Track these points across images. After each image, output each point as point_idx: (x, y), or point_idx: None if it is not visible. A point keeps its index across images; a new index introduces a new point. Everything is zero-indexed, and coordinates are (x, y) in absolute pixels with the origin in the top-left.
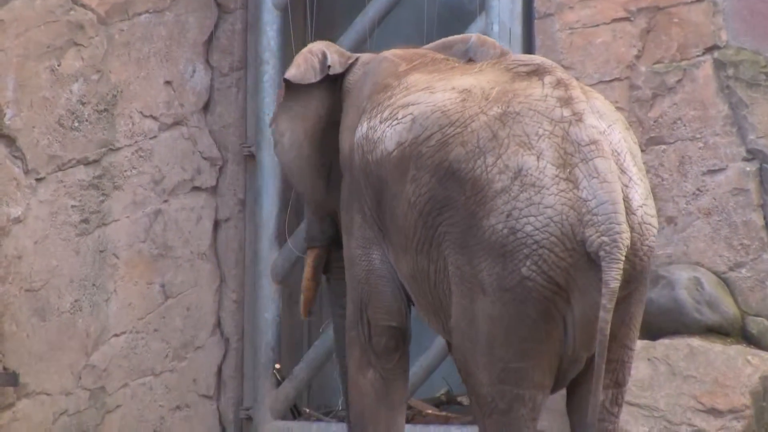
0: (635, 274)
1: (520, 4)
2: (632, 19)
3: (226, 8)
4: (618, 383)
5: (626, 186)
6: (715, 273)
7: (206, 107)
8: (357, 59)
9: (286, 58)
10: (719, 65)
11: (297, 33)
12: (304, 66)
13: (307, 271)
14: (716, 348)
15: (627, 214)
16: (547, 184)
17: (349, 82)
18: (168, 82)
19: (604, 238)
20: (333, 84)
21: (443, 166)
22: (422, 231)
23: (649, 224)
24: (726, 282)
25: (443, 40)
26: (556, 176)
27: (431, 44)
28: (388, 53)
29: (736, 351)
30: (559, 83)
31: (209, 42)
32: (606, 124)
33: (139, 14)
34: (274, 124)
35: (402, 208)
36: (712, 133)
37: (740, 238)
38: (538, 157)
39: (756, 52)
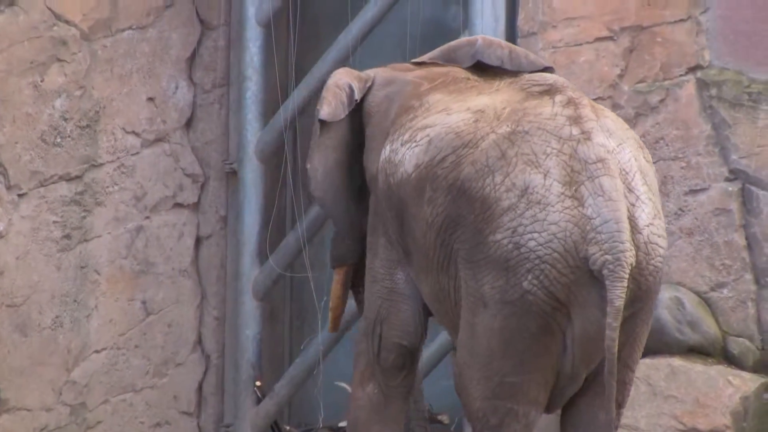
0: (640, 293)
1: (503, 22)
2: (615, 38)
3: (209, 25)
4: (617, 404)
5: (633, 205)
6: (697, 293)
7: (189, 124)
8: (374, 80)
9: (269, 74)
10: (702, 85)
11: (280, 49)
12: (335, 102)
13: (337, 288)
14: (697, 368)
15: (633, 233)
16: (552, 201)
17: (370, 105)
18: (150, 99)
19: (608, 257)
20: (355, 109)
21: (456, 185)
22: (440, 250)
23: (656, 244)
24: (707, 302)
25: (448, 45)
26: (562, 194)
27: (437, 50)
28: (411, 75)
29: (717, 371)
30: (569, 102)
31: (192, 58)
32: (615, 143)
33: (122, 30)
34: (309, 162)
35: (421, 228)
36: (695, 152)
37: (722, 258)
38: (545, 175)
39: (739, 72)
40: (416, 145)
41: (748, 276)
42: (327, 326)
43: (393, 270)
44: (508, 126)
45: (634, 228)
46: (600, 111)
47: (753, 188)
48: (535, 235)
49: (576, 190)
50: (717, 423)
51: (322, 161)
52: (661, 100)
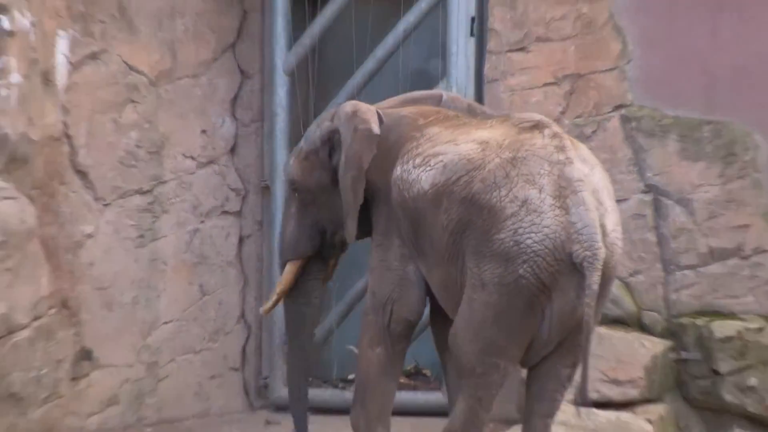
0: (605, 281)
1: (473, 71)
2: (559, 84)
3: (247, 74)
4: (575, 364)
5: (602, 215)
6: (619, 278)
7: (232, 150)
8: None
9: (293, 112)
10: (625, 119)
11: (302, 92)
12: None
13: (289, 279)
14: (618, 334)
15: (603, 236)
16: (545, 210)
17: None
18: (203, 131)
19: (587, 253)
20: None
21: (468, 198)
22: (452, 247)
23: (617, 244)
24: (627, 285)
25: (411, 94)
26: (553, 204)
27: (397, 98)
28: (405, 111)
29: (634, 337)
30: (555, 135)
31: (234, 100)
32: (589, 168)
33: (180, 78)
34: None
35: (437, 232)
36: (619, 171)
37: (638, 252)
38: (539, 191)
39: (654, 109)
40: (431, 168)
41: (658, 265)
42: (339, 302)
43: (405, 263)
44: (509, 153)
45: (603, 232)
46: (575, 142)
47: (662, 198)
48: (532, 235)
49: (563, 202)
50: (633, 375)
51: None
52: (594, 131)
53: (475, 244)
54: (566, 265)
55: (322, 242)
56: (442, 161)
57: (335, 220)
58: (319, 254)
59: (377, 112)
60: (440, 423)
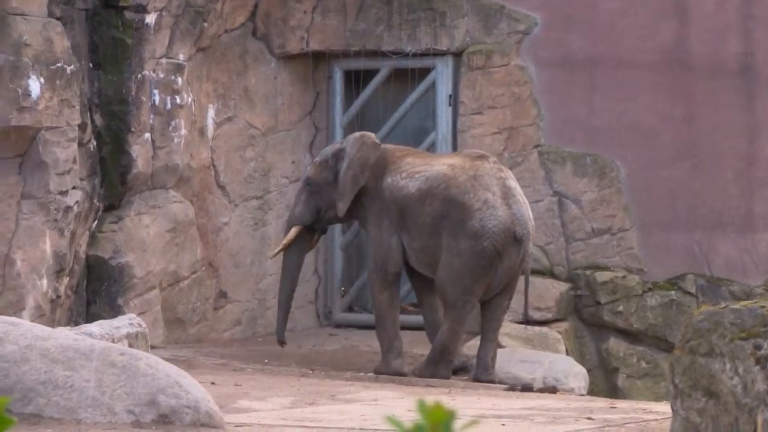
0: (529, 249)
1: (451, 126)
2: (501, 133)
3: (319, 129)
4: (510, 299)
5: (527, 209)
6: (539, 247)
7: None
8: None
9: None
10: (540, 153)
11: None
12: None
13: (291, 238)
14: (539, 280)
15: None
16: (498, 206)
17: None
18: (293, 162)
19: (524, 231)
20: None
21: (447, 198)
22: (431, 228)
23: (533, 227)
24: (544, 251)
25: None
26: (501, 203)
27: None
28: (389, 146)
29: (549, 281)
30: (495, 162)
31: (311, 144)
32: (515, 183)
33: (280, 132)
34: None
35: (423, 218)
36: (537, 184)
37: (550, 231)
38: (493, 194)
39: (557, 147)
40: (416, 180)
41: (562, 239)
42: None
43: (391, 237)
44: (471, 171)
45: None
46: (505, 167)
47: (563, 199)
48: (492, 221)
49: (507, 202)
50: (549, 305)
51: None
52: (522, 160)
53: (453, 228)
54: (511, 239)
55: (316, 218)
56: (424, 175)
57: (329, 204)
58: (311, 227)
59: (375, 138)
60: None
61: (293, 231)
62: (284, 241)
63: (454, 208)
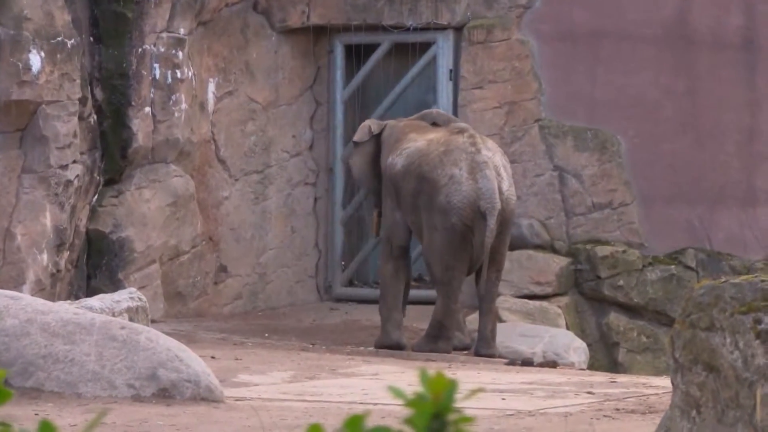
0: (505, 220)
1: (452, 101)
2: (501, 107)
3: (319, 103)
4: (498, 270)
5: (500, 182)
6: (539, 221)
7: (311, 147)
8: (386, 125)
9: (347, 125)
10: (541, 128)
11: (351, 114)
12: (361, 133)
13: (376, 217)
14: (540, 255)
15: (500, 194)
16: (464, 181)
17: (383, 137)
18: (293, 136)
19: (488, 206)
20: (376, 137)
21: (419, 174)
22: (412, 203)
23: (510, 199)
24: (544, 225)
25: (420, 113)
26: (468, 178)
27: (418, 114)
28: (400, 123)
29: (549, 256)
30: (471, 136)
31: (312, 118)
32: (491, 153)
33: (281, 106)
34: (350, 159)
35: (406, 195)
36: (537, 158)
37: (550, 206)
38: (460, 170)
39: (558, 121)
40: (401, 156)
41: (562, 213)
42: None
43: (394, 213)
44: (443, 147)
45: (500, 192)
46: (484, 138)
47: (564, 174)
48: (457, 196)
49: (474, 176)
50: (549, 279)
51: (356, 160)
52: (523, 135)
53: (426, 203)
54: (477, 214)
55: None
56: (407, 152)
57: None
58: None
59: (378, 123)
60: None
61: (375, 214)
62: (373, 227)
63: (425, 184)
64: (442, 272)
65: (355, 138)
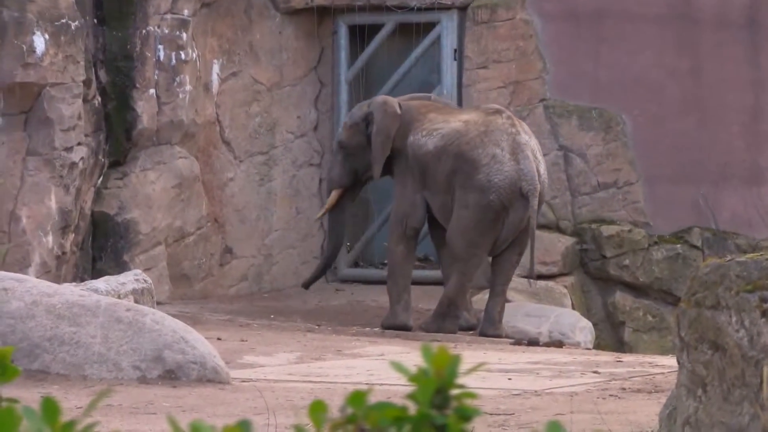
0: (539, 203)
1: (456, 81)
2: (506, 87)
3: (324, 84)
4: (520, 254)
5: (537, 165)
6: (546, 202)
7: (315, 128)
8: (399, 104)
9: (351, 105)
10: (546, 107)
11: (356, 94)
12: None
13: (332, 201)
14: (545, 234)
15: (538, 177)
16: (505, 161)
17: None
18: (298, 117)
19: (530, 187)
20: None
21: (458, 153)
22: (446, 184)
23: (545, 183)
24: (550, 205)
25: (412, 95)
26: (510, 159)
27: (409, 95)
28: (413, 103)
29: (554, 236)
30: (509, 117)
31: (316, 99)
32: (528, 137)
33: (285, 87)
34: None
35: (439, 175)
36: (542, 138)
37: (556, 185)
38: (501, 150)
39: (562, 101)
40: (433, 137)
41: (568, 193)
42: (379, 216)
43: (415, 194)
44: (483, 127)
45: (538, 175)
46: (520, 121)
47: (569, 153)
48: (498, 175)
49: (515, 157)
50: (555, 259)
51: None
52: (527, 114)
53: (462, 182)
54: (517, 194)
55: (355, 179)
56: (441, 132)
57: (365, 166)
58: (351, 187)
59: (398, 102)
60: (439, 290)
61: (334, 194)
62: (326, 205)
63: (464, 163)
64: (465, 248)
65: (398, 110)
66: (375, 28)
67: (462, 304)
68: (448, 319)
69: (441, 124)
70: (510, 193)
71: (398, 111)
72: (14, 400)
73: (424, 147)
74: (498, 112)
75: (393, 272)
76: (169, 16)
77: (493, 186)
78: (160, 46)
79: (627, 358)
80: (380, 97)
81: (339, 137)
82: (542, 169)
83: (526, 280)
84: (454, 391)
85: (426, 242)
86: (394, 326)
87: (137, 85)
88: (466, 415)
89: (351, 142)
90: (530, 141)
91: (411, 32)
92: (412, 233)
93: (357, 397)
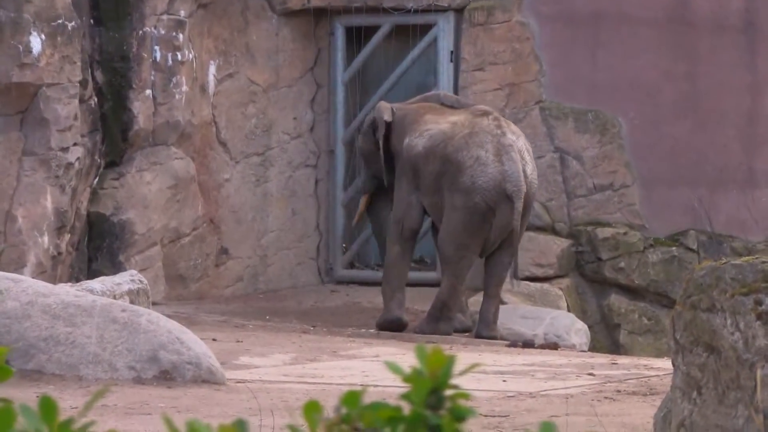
0: (527, 204)
1: (452, 83)
2: (502, 89)
3: (320, 85)
4: (512, 255)
5: (524, 166)
6: (541, 203)
7: (311, 129)
8: (398, 108)
9: (348, 107)
10: (542, 109)
11: (354, 95)
12: (389, 113)
13: (363, 204)
14: (541, 236)
15: (524, 177)
16: (489, 163)
17: (395, 120)
18: (294, 118)
19: (514, 188)
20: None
21: (444, 156)
22: (435, 184)
23: (534, 183)
24: (546, 207)
25: (424, 95)
26: (494, 160)
27: (419, 96)
28: (412, 106)
29: (550, 238)
30: (495, 118)
31: (313, 100)
32: (515, 137)
33: (281, 88)
34: (361, 141)
35: (428, 176)
36: (538, 140)
37: (551, 187)
38: (486, 152)
39: (558, 103)
40: (423, 138)
41: (564, 195)
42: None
43: (410, 195)
44: (468, 129)
45: (525, 176)
46: (508, 122)
47: (565, 156)
48: (483, 178)
49: (499, 159)
50: (550, 261)
51: (367, 143)
52: (523, 117)
53: (449, 184)
54: (502, 196)
55: (379, 183)
56: (429, 133)
57: (380, 170)
58: (378, 191)
59: (391, 108)
60: (434, 291)
61: (363, 201)
62: (359, 211)
63: (449, 165)
64: (455, 251)
65: (386, 118)
66: (371, 30)
67: (454, 306)
68: (442, 321)
69: (431, 125)
70: (495, 194)
71: (385, 118)
72: (7, 401)
73: (415, 148)
74: (485, 113)
75: (388, 272)
76: (165, 16)
77: (478, 188)
78: (157, 47)
79: (622, 360)
80: (380, 104)
81: (357, 144)
82: (529, 169)
83: (521, 281)
84: (449, 392)
85: (423, 243)
86: (389, 321)
87: (133, 86)
88: (460, 416)
89: (365, 149)
90: (517, 142)
91: (407, 34)
92: (408, 234)
93: (351, 398)
